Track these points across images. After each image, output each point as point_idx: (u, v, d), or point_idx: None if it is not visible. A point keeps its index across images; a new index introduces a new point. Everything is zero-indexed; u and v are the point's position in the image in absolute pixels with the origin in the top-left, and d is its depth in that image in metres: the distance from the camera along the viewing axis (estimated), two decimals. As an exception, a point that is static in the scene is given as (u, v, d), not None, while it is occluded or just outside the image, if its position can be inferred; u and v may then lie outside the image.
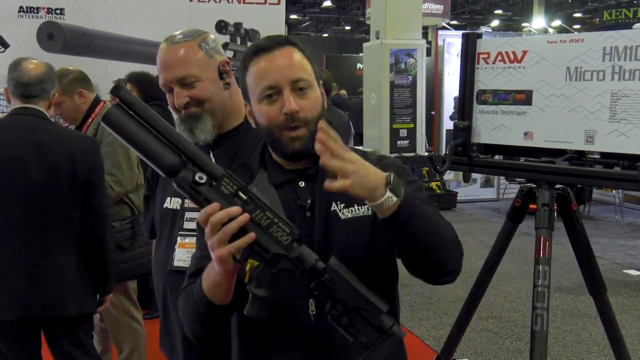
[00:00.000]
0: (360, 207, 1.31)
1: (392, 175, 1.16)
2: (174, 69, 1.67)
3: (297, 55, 1.30)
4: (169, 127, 1.16)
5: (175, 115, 1.77)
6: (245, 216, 1.12)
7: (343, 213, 1.30)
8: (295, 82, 1.26)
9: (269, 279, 1.15)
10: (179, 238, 1.76)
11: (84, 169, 2.40)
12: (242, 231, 1.12)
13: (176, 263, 1.75)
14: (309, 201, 1.30)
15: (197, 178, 1.13)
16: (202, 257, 1.36)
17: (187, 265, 1.70)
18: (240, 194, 1.14)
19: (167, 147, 1.15)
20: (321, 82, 1.37)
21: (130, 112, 1.14)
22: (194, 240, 1.72)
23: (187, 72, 1.67)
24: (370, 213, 1.30)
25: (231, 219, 1.11)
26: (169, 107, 1.77)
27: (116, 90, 1.14)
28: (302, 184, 1.33)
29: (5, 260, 2.34)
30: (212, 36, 1.78)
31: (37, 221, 2.35)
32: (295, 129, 1.26)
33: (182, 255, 1.74)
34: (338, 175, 1.12)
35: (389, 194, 1.14)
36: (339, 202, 1.30)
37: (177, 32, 1.74)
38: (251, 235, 1.12)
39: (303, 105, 1.26)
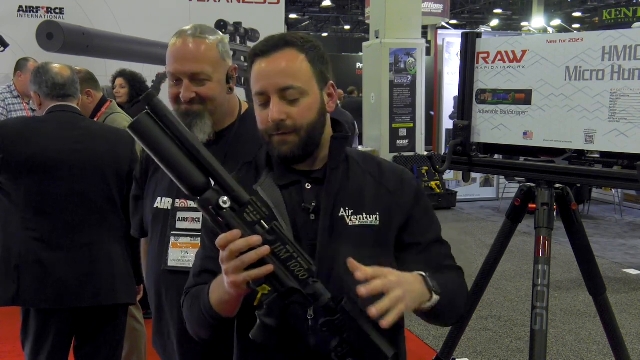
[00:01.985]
0: (368, 216, 1.30)
1: (428, 277, 1.25)
2: (190, 62, 1.68)
3: (295, 59, 1.26)
4: (198, 143, 1.13)
5: (172, 108, 1.75)
6: (266, 248, 1.10)
7: (351, 219, 1.29)
8: (284, 90, 1.25)
9: (279, 310, 1.15)
10: (172, 238, 1.76)
11: (126, 161, 2.47)
12: (260, 260, 1.11)
13: (170, 263, 1.75)
14: (313, 204, 1.28)
15: (221, 203, 1.10)
16: (207, 258, 1.36)
17: (181, 265, 1.70)
18: (263, 223, 1.12)
19: (194, 165, 1.12)
20: (331, 82, 1.34)
21: (160, 123, 1.10)
22: (187, 240, 1.73)
23: (202, 68, 1.68)
24: (377, 223, 1.30)
25: (251, 248, 1.10)
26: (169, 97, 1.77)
27: (148, 99, 1.10)
28: (308, 186, 1.31)
29: (55, 251, 2.38)
30: (226, 39, 1.79)
31: (85, 213, 2.42)
32: (284, 134, 1.26)
33: (176, 255, 1.75)
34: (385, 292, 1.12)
35: (435, 297, 1.24)
36: (347, 208, 1.29)
37: (194, 26, 1.74)
38: (269, 268, 1.11)
39: (291, 112, 1.25)
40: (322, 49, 1.33)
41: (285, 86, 1.25)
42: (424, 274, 1.25)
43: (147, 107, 1.10)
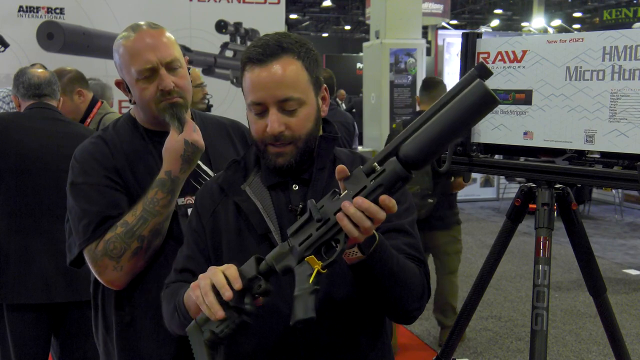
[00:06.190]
0: None
1: None
2: (162, 50, 1.61)
3: (292, 68, 1.23)
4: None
5: (148, 107, 1.65)
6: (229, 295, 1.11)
7: None
8: (283, 102, 1.22)
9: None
10: None
11: None
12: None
13: None
14: (300, 205, 1.25)
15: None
16: (189, 258, 1.34)
17: None
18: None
19: None
20: (324, 86, 1.33)
21: None
22: None
23: (174, 56, 1.63)
24: None
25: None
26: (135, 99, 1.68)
27: None
28: (295, 187, 1.31)
29: (35, 245, 2.41)
30: None
31: (65, 207, 2.46)
32: (280, 146, 1.24)
33: None
34: None
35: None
36: None
37: (143, 22, 1.70)
38: (228, 295, 1.11)
39: (290, 123, 1.23)
40: (314, 51, 1.30)
41: (285, 98, 1.22)
42: None
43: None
